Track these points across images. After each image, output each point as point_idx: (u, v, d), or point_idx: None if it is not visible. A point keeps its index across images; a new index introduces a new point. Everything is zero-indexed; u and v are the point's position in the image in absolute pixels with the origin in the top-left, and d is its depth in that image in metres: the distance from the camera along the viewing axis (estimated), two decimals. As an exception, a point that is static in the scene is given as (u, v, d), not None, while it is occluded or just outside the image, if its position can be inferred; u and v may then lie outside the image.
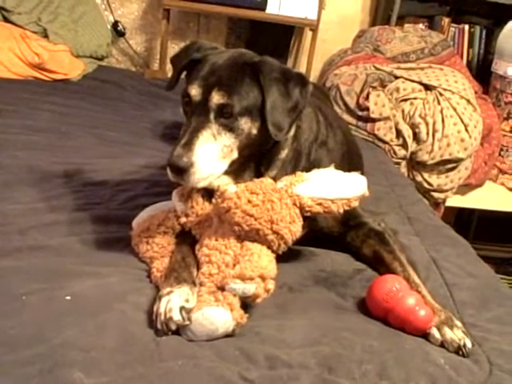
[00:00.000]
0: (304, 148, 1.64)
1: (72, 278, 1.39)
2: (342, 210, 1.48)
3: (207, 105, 1.42)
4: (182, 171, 1.37)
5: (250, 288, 1.29)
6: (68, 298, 1.30)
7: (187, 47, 1.64)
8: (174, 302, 1.26)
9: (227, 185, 1.45)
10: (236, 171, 1.50)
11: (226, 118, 1.42)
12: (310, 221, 1.62)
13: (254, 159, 1.53)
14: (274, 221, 1.40)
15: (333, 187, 1.48)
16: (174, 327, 1.24)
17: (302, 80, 1.51)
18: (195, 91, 1.44)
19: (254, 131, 1.46)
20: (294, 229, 1.43)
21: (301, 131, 1.63)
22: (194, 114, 1.43)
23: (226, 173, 1.47)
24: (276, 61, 1.54)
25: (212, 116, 1.42)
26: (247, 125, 1.44)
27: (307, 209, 1.46)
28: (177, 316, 1.24)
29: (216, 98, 1.41)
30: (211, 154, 1.40)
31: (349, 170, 1.57)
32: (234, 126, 1.43)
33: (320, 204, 1.46)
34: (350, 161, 1.88)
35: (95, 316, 1.26)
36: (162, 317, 1.25)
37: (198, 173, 1.38)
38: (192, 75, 1.50)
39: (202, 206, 1.53)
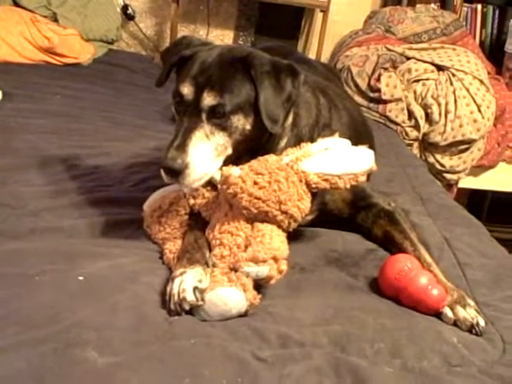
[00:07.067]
0: (305, 133, 1.63)
1: (84, 259, 1.40)
2: (348, 186, 1.47)
3: (199, 105, 1.41)
4: (176, 173, 1.37)
5: (263, 270, 1.29)
6: (81, 278, 1.30)
7: (177, 43, 1.63)
8: (188, 282, 1.26)
9: (230, 168, 1.42)
10: (232, 164, 1.48)
11: (219, 117, 1.41)
12: (320, 204, 1.62)
13: (251, 152, 1.50)
14: (282, 201, 1.39)
15: (339, 162, 1.46)
16: (187, 307, 1.24)
17: (292, 70, 1.50)
18: (187, 90, 1.43)
19: (248, 127, 1.46)
20: (303, 206, 1.43)
21: (299, 118, 1.62)
22: (186, 113, 1.42)
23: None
24: (265, 53, 1.53)
25: (204, 116, 1.41)
26: (240, 122, 1.44)
27: (313, 185, 1.44)
28: (190, 296, 1.24)
29: (208, 100, 1.40)
30: (205, 154, 1.40)
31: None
32: (226, 124, 1.42)
33: (326, 180, 1.45)
34: (357, 141, 1.87)
35: (108, 296, 1.26)
36: (176, 297, 1.25)
37: (192, 174, 1.38)
38: (183, 73, 1.48)
39: (207, 188, 1.51)
